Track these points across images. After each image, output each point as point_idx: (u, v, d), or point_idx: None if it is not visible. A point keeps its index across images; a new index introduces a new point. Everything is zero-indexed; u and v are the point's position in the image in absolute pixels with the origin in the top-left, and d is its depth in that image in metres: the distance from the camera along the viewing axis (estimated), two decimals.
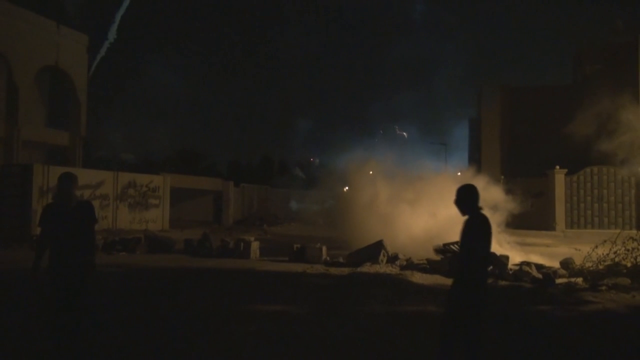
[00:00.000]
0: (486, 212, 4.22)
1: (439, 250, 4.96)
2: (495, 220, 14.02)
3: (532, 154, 29.28)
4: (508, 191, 15.50)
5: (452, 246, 11.40)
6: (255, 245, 12.70)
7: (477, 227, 4.02)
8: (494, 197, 14.43)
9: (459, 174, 27.46)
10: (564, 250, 13.09)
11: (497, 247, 12.40)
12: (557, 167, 24.62)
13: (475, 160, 36.56)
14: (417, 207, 14.42)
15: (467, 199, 4.11)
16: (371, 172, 16.06)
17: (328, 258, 11.94)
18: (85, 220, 4.57)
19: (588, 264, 9.90)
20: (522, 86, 34.20)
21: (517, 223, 22.91)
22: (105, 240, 13.93)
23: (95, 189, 18.23)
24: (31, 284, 4.50)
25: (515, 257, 11.34)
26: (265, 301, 7.54)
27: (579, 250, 10.61)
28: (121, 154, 39.68)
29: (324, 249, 12.24)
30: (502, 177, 26.30)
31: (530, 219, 24.24)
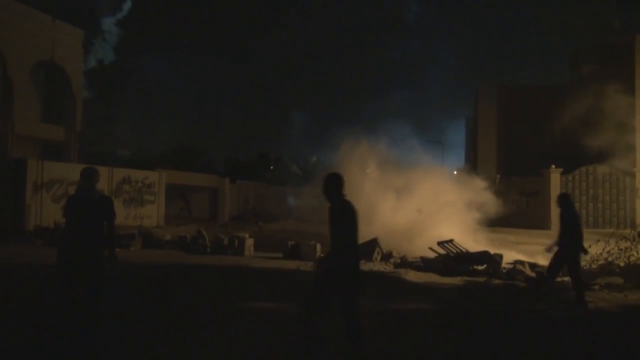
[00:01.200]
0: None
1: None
2: (475, 218, 14.16)
3: (529, 153, 29.32)
4: (499, 193, 15.52)
5: (445, 244, 11.44)
6: (249, 242, 12.67)
7: (343, 213, 4.35)
8: (484, 199, 14.50)
9: (455, 172, 27.48)
10: None
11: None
12: (553, 166, 24.67)
13: (472, 159, 36.63)
14: (404, 199, 14.34)
15: (332, 186, 4.41)
16: (368, 170, 15.85)
17: (322, 255, 11.92)
18: (105, 214, 4.60)
19: (582, 264, 9.92)
20: (519, 85, 34.28)
21: (513, 222, 23.02)
22: None
23: None
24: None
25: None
26: (258, 298, 7.51)
27: None
28: (117, 149, 39.58)
29: (318, 246, 12.22)
30: (498, 176, 26.35)
31: (526, 218, 24.31)
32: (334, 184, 4.43)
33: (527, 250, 13.38)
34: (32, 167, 15.91)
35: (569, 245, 7.51)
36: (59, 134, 23.77)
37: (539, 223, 24.23)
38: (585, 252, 7.80)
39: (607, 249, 9.80)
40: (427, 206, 13.73)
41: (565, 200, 7.77)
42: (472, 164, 34.70)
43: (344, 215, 4.35)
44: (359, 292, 4.50)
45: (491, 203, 14.62)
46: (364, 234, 13.65)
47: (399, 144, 17.58)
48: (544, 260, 10.99)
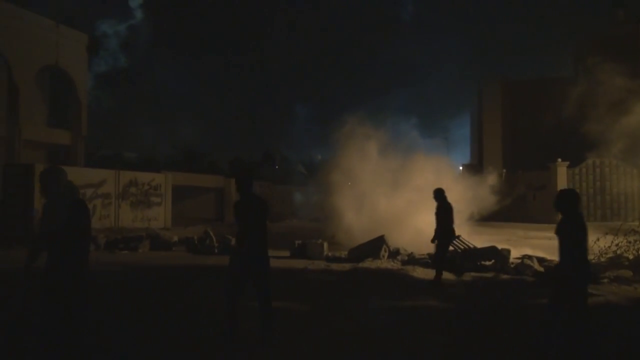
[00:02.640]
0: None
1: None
2: (476, 212, 14.28)
3: (534, 146, 29.21)
4: (505, 187, 15.44)
5: (453, 241, 11.39)
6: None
7: (258, 208, 5.10)
8: (486, 193, 14.48)
9: (461, 168, 27.39)
10: None
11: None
12: (559, 159, 24.55)
13: (477, 154, 36.51)
14: (400, 187, 14.17)
15: (245, 183, 5.10)
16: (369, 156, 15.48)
17: (329, 254, 11.94)
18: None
19: (590, 257, 9.87)
20: (523, 79, 34.09)
21: (520, 216, 22.93)
22: (107, 238, 13.98)
23: (97, 188, 18.26)
24: None
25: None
26: None
27: None
28: (124, 152, 39.74)
29: (326, 244, 12.25)
30: (504, 170, 26.28)
31: (533, 212, 24.22)
32: (247, 181, 5.12)
33: (535, 245, 13.35)
34: (39, 172, 16.00)
35: (444, 233, 8.53)
36: (65, 138, 23.92)
37: (546, 217, 24.12)
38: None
39: (616, 241, 9.75)
40: (421, 196, 13.65)
41: (440, 195, 8.70)
42: (478, 159, 34.62)
43: (260, 211, 5.08)
44: (270, 279, 5.19)
45: (493, 198, 14.58)
46: (360, 224, 13.67)
47: (401, 136, 17.44)
48: (552, 255, 10.97)
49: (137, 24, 55.91)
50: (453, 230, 8.69)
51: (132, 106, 47.10)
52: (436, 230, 8.60)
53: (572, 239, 4.55)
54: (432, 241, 8.71)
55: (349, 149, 15.08)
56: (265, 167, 45.42)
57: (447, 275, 9.57)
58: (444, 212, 8.55)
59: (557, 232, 4.70)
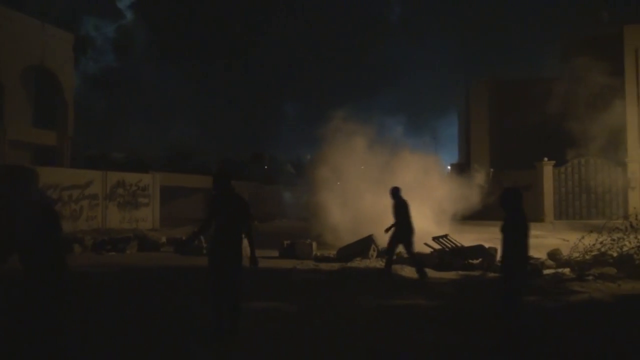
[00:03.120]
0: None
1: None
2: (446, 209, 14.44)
3: (522, 145, 29.48)
4: (492, 186, 15.59)
5: (441, 240, 11.51)
6: (245, 242, 12.64)
7: (232, 203, 5.36)
8: (467, 193, 14.59)
9: (449, 167, 27.56)
10: (552, 241, 13.23)
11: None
12: (545, 158, 24.79)
13: (465, 153, 36.76)
14: (385, 188, 14.28)
15: (223, 180, 5.37)
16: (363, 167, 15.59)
17: (318, 254, 11.97)
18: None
19: (575, 255, 10.02)
20: (510, 79, 34.37)
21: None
22: (94, 240, 13.87)
23: (84, 189, 18.08)
24: None
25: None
26: (255, 298, 7.52)
27: (567, 240, 10.72)
28: (111, 152, 39.36)
29: (314, 244, 12.27)
30: (492, 170, 26.48)
31: None
32: (223, 178, 5.38)
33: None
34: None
35: (402, 231, 8.98)
36: (51, 138, 23.64)
37: (533, 215, 24.34)
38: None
39: (600, 239, 9.90)
40: (409, 194, 13.76)
41: (397, 193, 9.22)
42: (466, 159, 34.87)
43: (237, 209, 5.37)
44: (240, 277, 5.32)
45: (479, 197, 14.68)
46: (346, 223, 13.68)
47: (387, 132, 17.50)
48: (538, 253, 11.10)
49: (127, 24, 55.36)
50: (411, 226, 9.05)
51: (120, 106, 46.61)
52: (395, 227, 9.10)
53: (515, 235, 4.80)
54: (386, 231, 9.37)
55: (335, 145, 15.07)
56: (254, 167, 45.27)
57: (437, 274, 9.66)
58: (400, 209, 8.99)
59: (502, 230, 4.92)
